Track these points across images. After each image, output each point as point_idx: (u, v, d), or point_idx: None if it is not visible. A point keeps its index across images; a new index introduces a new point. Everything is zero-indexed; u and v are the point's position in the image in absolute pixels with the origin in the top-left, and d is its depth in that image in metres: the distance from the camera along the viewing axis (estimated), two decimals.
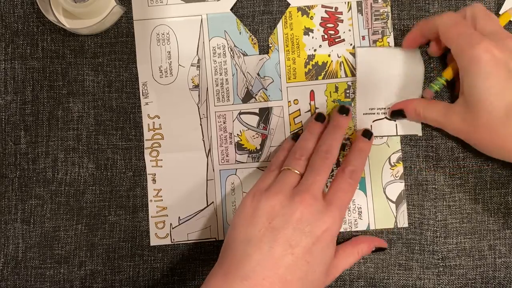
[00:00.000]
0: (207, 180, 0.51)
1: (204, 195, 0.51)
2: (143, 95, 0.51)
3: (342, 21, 0.51)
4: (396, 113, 0.49)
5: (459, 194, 0.51)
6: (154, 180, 0.51)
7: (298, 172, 0.45)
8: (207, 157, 0.51)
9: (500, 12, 0.51)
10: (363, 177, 0.50)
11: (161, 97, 0.51)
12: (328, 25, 0.51)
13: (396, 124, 0.50)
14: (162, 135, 0.51)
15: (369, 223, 0.50)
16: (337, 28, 0.51)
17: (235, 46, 0.51)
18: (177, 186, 0.51)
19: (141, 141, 0.51)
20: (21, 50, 0.51)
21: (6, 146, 0.51)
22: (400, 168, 0.50)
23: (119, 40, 0.51)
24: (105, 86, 0.51)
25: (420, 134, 0.50)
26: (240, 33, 0.51)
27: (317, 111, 0.51)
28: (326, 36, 0.51)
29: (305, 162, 0.46)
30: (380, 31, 0.51)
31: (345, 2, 0.51)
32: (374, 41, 0.51)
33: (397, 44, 0.51)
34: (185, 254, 0.51)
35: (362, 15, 0.51)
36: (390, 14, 0.51)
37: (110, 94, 0.51)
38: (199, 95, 0.51)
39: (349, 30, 0.51)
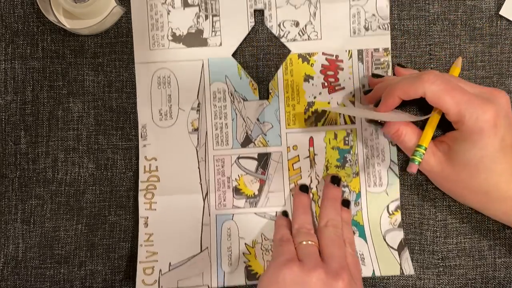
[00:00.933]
0: (202, 224, 0.50)
1: (198, 240, 0.50)
2: (141, 137, 0.51)
3: (342, 69, 0.51)
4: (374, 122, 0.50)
5: None
6: (146, 224, 0.50)
7: (315, 244, 0.45)
8: (204, 200, 0.50)
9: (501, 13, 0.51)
10: (361, 225, 0.50)
11: (160, 139, 0.51)
12: (329, 72, 0.51)
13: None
14: (158, 177, 0.50)
15: (373, 269, 0.49)
16: (338, 76, 0.51)
17: (235, 91, 0.51)
18: (170, 230, 0.50)
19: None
20: (21, 50, 0.51)
21: (6, 146, 0.51)
22: (398, 216, 0.50)
23: (119, 40, 0.51)
24: (105, 86, 0.51)
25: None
26: (240, 78, 0.51)
27: (299, 182, 0.51)
28: (326, 84, 0.51)
29: (313, 230, 0.47)
30: None
31: (346, 50, 0.51)
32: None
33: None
34: None
35: (362, 63, 0.51)
36: (390, 63, 0.51)
37: (110, 94, 0.51)
38: (198, 139, 0.51)
39: (350, 78, 0.51)
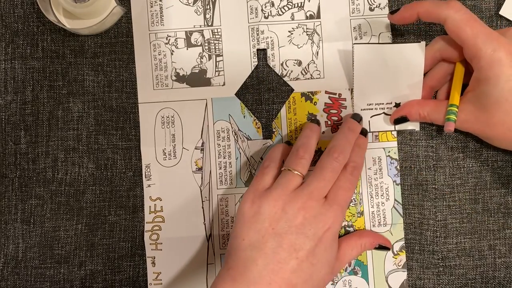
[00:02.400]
0: (207, 264, 0.50)
1: (204, 279, 0.50)
2: (145, 177, 0.51)
3: (345, 107, 0.51)
4: (399, 120, 0.49)
5: (459, 194, 0.51)
6: (153, 263, 0.50)
7: (300, 174, 0.44)
8: (208, 241, 0.50)
9: (503, 12, 0.51)
10: (365, 265, 0.50)
11: (164, 179, 0.51)
12: (332, 111, 0.51)
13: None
14: (163, 218, 0.51)
15: None
16: (341, 114, 0.51)
17: (239, 130, 0.51)
18: (177, 269, 0.50)
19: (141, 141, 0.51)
20: (21, 50, 0.51)
21: (6, 146, 0.51)
22: (403, 257, 0.50)
23: (119, 40, 0.51)
24: (105, 86, 0.51)
25: (417, 129, 0.50)
26: (244, 117, 0.51)
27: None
28: (329, 122, 0.51)
29: (308, 162, 0.45)
30: None
31: (348, 89, 0.51)
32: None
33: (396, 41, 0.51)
34: None
35: None
36: None
37: (110, 94, 0.51)
38: (202, 178, 0.51)
39: None
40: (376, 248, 0.49)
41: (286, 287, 0.40)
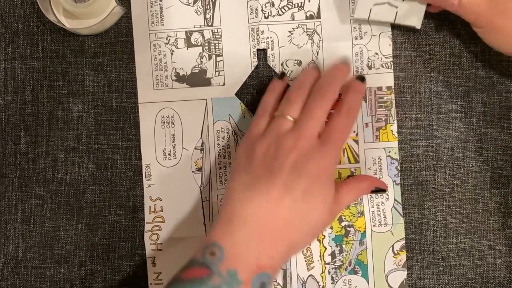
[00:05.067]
0: None
1: None
2: (145, 177, 0.51)
3: None
4: None
5: (459, 194, 0.51)
6: (154, 264, 0.50)
7: (292, 119, 0.44)
8: None
9: None
10: (365, 264, 0.50)
11: (164, 179, 0.51)
12: (332, 111, 0.51)
13: (396, 12, 0.48)
14: (163, 218, 0.51)
15: None
16: None
17: (239, 129, 0.51)
18: (177, 269, 0.50)
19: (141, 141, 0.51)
20: (21, 50, 0.51)
21: (6, 146, 0.51)
22: (403, 257, 0.50)
23: (119, 40, 0.51)
24: (105, 86, 0.51)
25: (418, 27, 0.48)
26: (244, 117, 0.51)
27: None
28: None
29: (300, 106, 0.45)
30: (383, 119, 0.51)
31: None
32: (378, 129, 0.51)
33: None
34: None
35: (365, 102, 0.51)
36: (394, 101, 0.51)
37: (110, 94, 0.51)
38: (202, 178, 0.51)
39: None
40: (372, 192, 0.49)
41: (282, 224, 0.41)
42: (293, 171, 0.42)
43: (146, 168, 0.51)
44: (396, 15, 0.48)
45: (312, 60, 0.51)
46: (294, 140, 0.43)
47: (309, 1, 0.51)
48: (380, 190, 0.49)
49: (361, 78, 0.48)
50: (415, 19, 0.48)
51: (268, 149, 0.43)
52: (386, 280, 0.50)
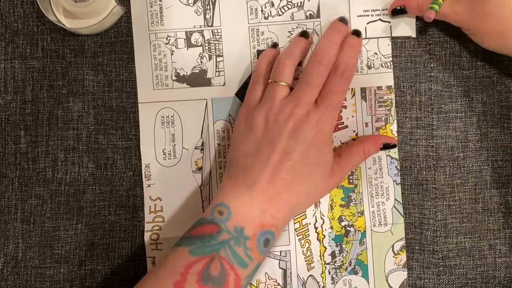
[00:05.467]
0: None
1: None
2: (145, 177, 0.51)
3: (345, 107, 0.51)
4: (397, 11, 0.49)
5: (459, 194, 0.51)
6: (154, 264, 0.50)
7: (286, 84, 0.46)
8: None
9: None
10: (365, 264, 0.50)
11: (164, 179, 0.51)
12: None
13: (390, 26, 0.50)
14: (163, 218, 0.51)
15: None
16: (341, 114, 0.51)
17: None
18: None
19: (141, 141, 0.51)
20: (21, 49, 0.51)
21: (6, 146, 0.51)
22: (403, 257, 0.50)
23: (119, 39, 0.51)
24: (105, 86, 0.51)
25: (413, 35, 0.50)
26: None
27: None
28: None
29: (292, 70, 0.46)
30: (383, 118, 0.51)
31: (348, 89, 0.50)
32: (377, 128, 0.51)
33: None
34: None
35: (365, 101, 0.51)
36: (394, 101, 0.51)
37: (110, 94, 0.51)
38: (202, 178, 0.51)
39: (352, 117, 0.51)
40: (381, 149, 0.49)
41: (283, 185, 0.44)
42: (291, 137, 0.44)
43: (146, 168, 0.51)
44: (390, 29, 0.50)
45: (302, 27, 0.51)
46: (291, 108, 0.44)
47: (308, 1, 0.51)
48: (389, 146, 0.49)
49: (357, 33, 0.48)
50: (408, 29, 0.50)
51: (267, 117, 0.45)
52: (387, 281, 0.50)
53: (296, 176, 0.44)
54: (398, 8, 0.49)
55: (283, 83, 0.46)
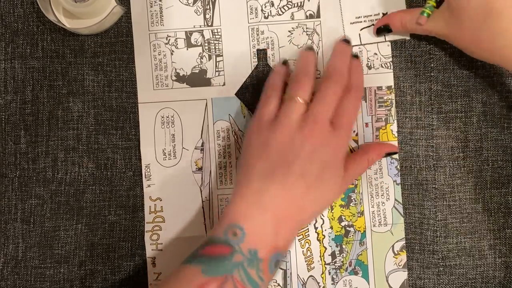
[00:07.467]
0: None
1: None
2: (145, 177, 0.51)
3: None
4: (382, 30, 0.50)
5: (459, 194, 0.51)
6: (154, 264, 0.50)
7: (303, 101, 0.45)
8: None
9: None
10: (365, 264, 0.50)
11: (164, 179, 0.51)
12: None
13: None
14: (163, 218, 0.51)
15: None
16: None
17: (239, 129, 0.51)
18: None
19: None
20: (21, 49, 0.51)
21: (6, 146, 0.51)
22: (403, 257, 0.50)
23: (119, 39, 0.51)
24: (105, 86, 0.51)
25: (408, 37, 0.51)
26: (244, 117, 0.51)
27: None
28: None
29: (310, 88, 0.46)
30: (383, 118, 0.51)
31: None
32: (377, 128, 0.51)
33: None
34: None
35: (365, 101, 0.51)
36: (394, 101, 0.51)
37: (110, 94, 0.51)
38: (202, 178, 0.51)
39: None
40: (385, 156, 0.50)
41: (296, 209, 0.43)
42: (307, 158, 0.43)
43: (146, 168, 0.51)
44: (384, 35, 0.51)
45: (307, 43, 0.51)
46: (310, 128, 0.44)
47: (308, 0, 0.51)
48: (391, 153, 0.50)
49: (357, 56, 0.49)
50: (402, 34, 0.51)
51: (283, 138, 0.44)
52: (387, 281, 0.50)
53: (309, 199, 0.44)
54: (382, 26, 0.50)
55: (300, 99, 0.45)
